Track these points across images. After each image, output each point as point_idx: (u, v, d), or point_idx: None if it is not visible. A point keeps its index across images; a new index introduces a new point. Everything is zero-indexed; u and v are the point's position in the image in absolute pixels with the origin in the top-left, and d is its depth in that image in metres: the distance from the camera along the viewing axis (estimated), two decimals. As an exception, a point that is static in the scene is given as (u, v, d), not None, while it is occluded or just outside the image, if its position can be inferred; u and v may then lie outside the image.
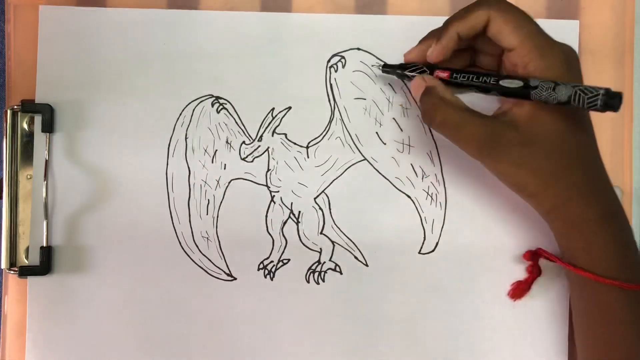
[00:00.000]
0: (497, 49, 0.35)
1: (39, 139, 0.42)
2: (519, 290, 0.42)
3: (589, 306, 0.37)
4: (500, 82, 0.34)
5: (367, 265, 0.43)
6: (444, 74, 0.37)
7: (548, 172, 0.34)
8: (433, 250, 0.43)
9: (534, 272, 0.42)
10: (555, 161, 0.34)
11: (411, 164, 0.43)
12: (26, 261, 0.42)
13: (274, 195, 0.43)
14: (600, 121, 0.44)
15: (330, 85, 0.43)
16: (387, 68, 0.41)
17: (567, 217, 0.35)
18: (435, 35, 0.37)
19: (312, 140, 0.43)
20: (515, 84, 0.33)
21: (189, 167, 0.43)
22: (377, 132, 0.43)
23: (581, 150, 0.34)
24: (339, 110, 0.43)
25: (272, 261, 0.43)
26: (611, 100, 0.30)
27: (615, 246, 0.35)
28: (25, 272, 0.41)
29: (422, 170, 0.43)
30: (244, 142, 0.43)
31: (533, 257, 0.41)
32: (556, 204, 0.35)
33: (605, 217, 0.34)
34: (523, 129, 0.34)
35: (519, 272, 0.43)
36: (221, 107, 0.43)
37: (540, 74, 0.33)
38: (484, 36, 0.36)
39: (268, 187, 0.43)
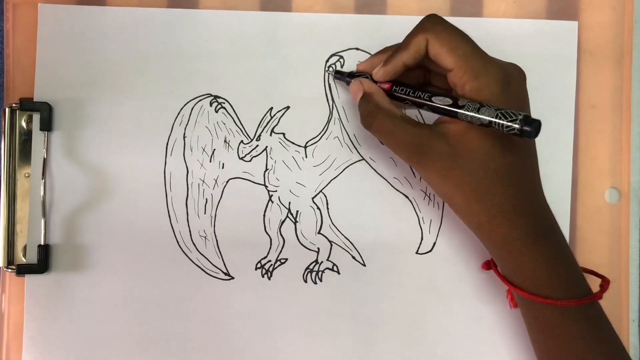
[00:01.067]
0: (443, 69, 0.35)
1: (37, 137, 0.42)
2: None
3: (532, 323, 0.37)
4: (433, 99, 0.35)
5: (364, 265, 0.43)
6: (385, 85, 0.37)
7: (472, 187, 0.34)
8: (430, 251, 0.43)
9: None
10: (479, 178, 0.34)
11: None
12: (24, 259, 0.42)
13: (271, 195, 0.43)
14: (600, 122, 0.44)
15: (329, 85, 0.43)
16: (338, 74, 0.42)
17: (494, 236, 0.35)
18: (388, 51, 0.38)
19: (310, 140, 0.43)
20: (445, 102, 0.34)
21: (187, 166, 0.43)
22: (375, 132, 0.43)
23: (510, 172, 0.34)
24: (337, 110, 0.43)
25: (269, 261, 0.43)
26: (528, 127, 0.30)
27: (547, 265, 0.34)
28: (22, 270, 0.41)
29: (420, 170, 0.43)
30: (242, 141, 0.43)
31: (490, 267, 0.41)
32: (481, 221, 0.35)
33: (534, 237, 0.34)
34: (453, 142, 0.34)
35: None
36: (219, 106, 0.43)
37: (476, 94, 0.33)
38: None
39: (266, 187, 0.43)
